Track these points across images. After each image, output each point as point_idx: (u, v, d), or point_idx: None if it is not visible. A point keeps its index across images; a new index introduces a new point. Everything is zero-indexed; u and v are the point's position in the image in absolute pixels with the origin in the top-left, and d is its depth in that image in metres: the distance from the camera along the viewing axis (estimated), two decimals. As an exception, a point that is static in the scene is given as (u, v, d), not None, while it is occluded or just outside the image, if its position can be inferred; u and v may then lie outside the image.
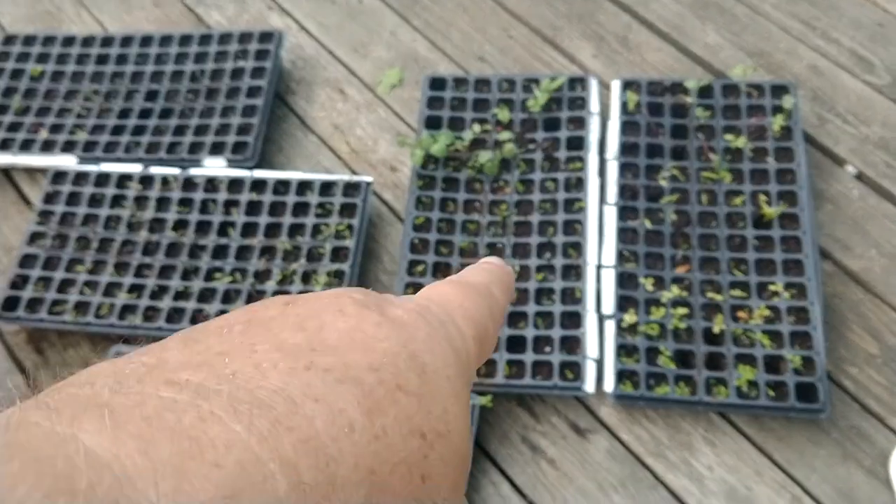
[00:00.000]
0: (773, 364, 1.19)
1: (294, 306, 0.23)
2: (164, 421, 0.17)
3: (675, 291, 1.24)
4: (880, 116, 1.44)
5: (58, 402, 0.18)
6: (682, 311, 1.23)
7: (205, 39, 1.59)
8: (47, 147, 1.51)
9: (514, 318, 1.27)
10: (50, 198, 1.45)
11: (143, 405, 0.18)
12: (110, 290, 1.36)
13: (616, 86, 1.42)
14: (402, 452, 0.20)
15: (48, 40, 1.66)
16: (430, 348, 0.23)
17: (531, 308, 1.27)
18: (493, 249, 1.34)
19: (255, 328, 0.22)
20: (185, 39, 1.60)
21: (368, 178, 1.39)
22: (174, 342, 0.22)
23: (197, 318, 1.32)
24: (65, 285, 1.35)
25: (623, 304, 1.25)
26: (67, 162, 1.49)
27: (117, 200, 1.44)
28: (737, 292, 1.24)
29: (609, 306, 1.25)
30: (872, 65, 1.50)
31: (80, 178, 1.46)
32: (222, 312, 1.32)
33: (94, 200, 1.44)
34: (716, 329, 1.21)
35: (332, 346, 0.21)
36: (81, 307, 1.33)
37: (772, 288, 1.23)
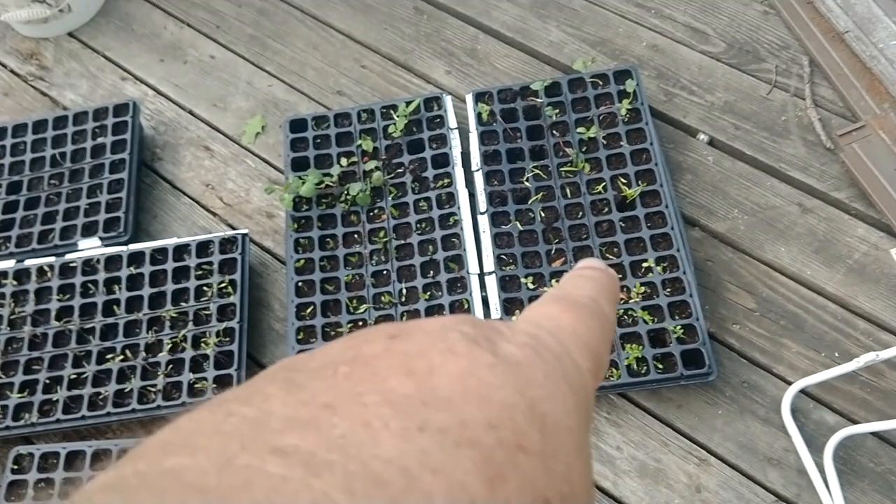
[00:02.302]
0: (657, 338, 1.24)
1: (399, 341, 0.22)
2: None
3: (554, 285, 1.28)
4: (721, 82, 1.51)
5: (160, 483, 0.17)
6: (564, 303, 1.26)
7: (60, 122, 1.57)
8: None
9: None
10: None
11: (252, 486, 0.17)
12: (1, 391, 1.33)
13: (469, 99, 1.46)
14: None
15: None
16: (549, 394, 0.21)
17: (422, 328, 1.28)
18: (378, 277, 1.36)
19: (361, 370, 0.21)
20: (40, 125, 1.58)
21: (244, 231, 1.40)
22: (275, 387, 0.20)
23: (95, 402, 1.31)
24: (-48, 396, 1.32)
25: (508, 306, 1.28)
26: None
27: (-6, 300, 1.41)
28: (612, 275, 1.28)
29: (496, 311, 1.28)
30: (707, 35, 1.57)
31: (-48, 284, 1.43)
32: (119, 393, 1.31)
33: (-30, 304, 1.41)
34: (598, 315, 1.25)
35: (445, 397, 0.20)
36: (-28, 415, 1.30)
37: (644, 265, 1.28)
